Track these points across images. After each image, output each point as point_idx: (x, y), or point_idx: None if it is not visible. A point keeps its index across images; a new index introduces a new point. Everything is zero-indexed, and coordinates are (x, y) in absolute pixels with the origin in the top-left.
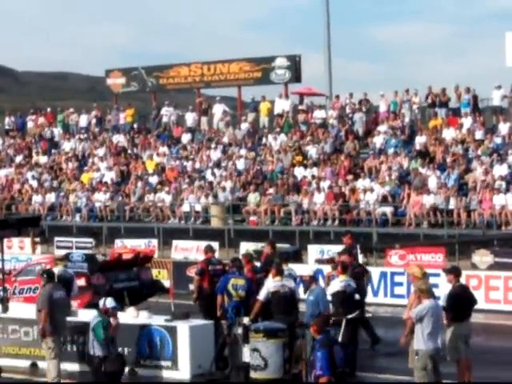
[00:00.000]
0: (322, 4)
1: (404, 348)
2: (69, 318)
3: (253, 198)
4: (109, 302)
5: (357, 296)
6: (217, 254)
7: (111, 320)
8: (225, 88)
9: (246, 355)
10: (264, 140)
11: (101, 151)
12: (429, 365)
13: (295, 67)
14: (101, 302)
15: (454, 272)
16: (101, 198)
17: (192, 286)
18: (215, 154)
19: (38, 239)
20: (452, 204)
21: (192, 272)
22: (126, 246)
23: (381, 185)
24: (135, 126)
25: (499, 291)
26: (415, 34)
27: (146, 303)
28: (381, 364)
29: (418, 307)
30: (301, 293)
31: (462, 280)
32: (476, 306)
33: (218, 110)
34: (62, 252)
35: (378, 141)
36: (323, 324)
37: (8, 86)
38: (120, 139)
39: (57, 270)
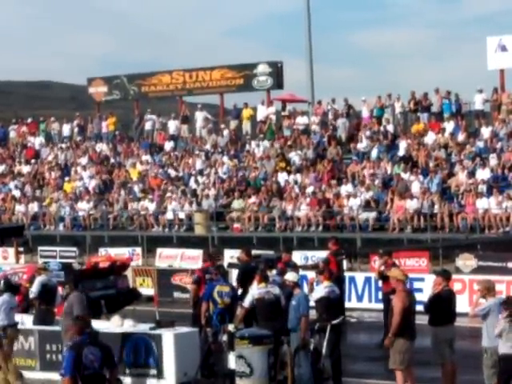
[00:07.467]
0: (304, 10)
1: (387, 351)
2: None
3: (236, 204)
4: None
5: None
6: (200, 262)
7: None
8: (207, 95)
9: (232, 362)
10: (247, 147)
11: (83, 160)
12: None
13: (277, 74)
14: None
15: (444, 275)
16: (84, 206)
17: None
18: (198, 162)
19: (21, 249)
20: (435, 208)
21: (177, 280)
22: (103, 255)
23: (366, 190)
24: (117, 134)
25: None
26: (397, 39)
27: (123, 311)
28: (364, 369)
29: (482, 305)
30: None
31: None
32: (460, 310)
33: (200, 117)
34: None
35: (360, 146)
36: (83, 326)
37: None
38: (103, 148)
39: (41, 279)
